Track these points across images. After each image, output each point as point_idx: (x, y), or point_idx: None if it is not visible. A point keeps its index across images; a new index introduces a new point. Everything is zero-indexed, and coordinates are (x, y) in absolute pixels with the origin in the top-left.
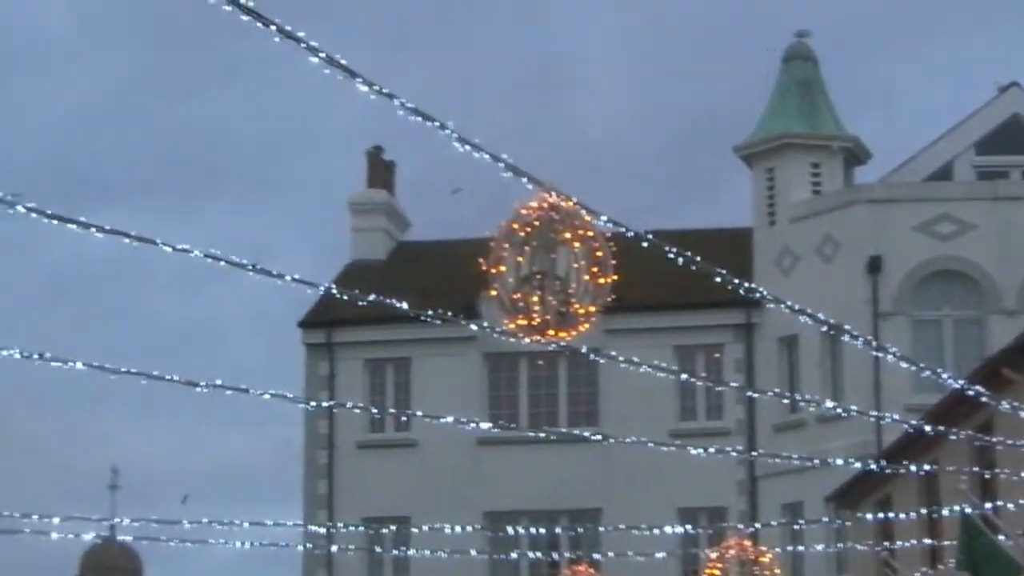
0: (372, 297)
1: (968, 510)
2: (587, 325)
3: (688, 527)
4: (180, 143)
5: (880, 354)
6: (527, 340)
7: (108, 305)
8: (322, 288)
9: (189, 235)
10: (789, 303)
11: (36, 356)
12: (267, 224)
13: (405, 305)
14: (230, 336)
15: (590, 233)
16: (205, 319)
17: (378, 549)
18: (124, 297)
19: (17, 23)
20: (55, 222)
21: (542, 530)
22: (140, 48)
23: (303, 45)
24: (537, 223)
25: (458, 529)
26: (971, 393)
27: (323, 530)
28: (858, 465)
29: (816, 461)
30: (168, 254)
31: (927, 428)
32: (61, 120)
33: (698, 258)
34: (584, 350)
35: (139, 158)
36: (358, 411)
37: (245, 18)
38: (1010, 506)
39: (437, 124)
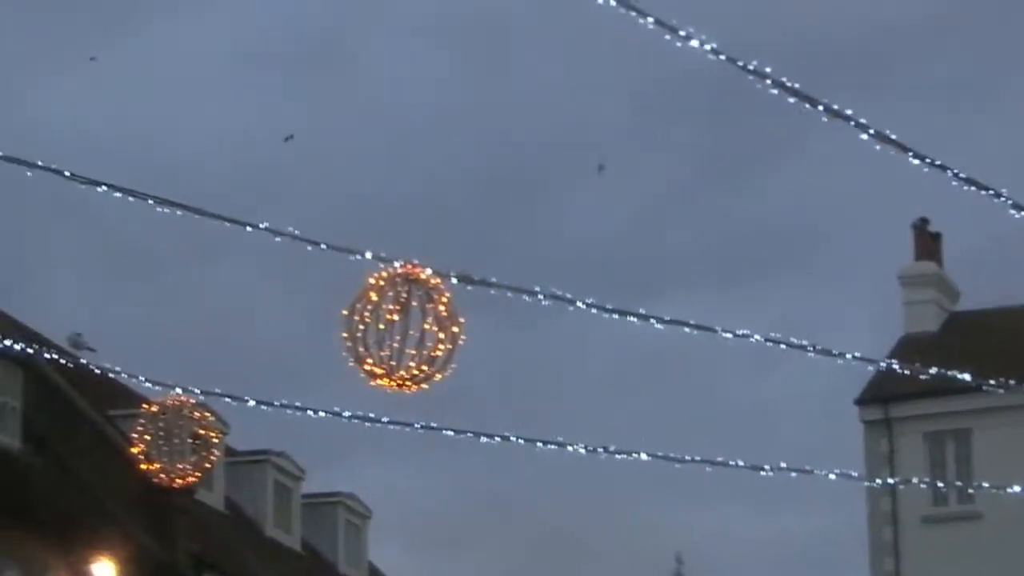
0: (934, 370)
1: None
2: None
3: None
4: (736, 228)
5: None
6: None
7: (670, 394)
8: (882, 364)
9: (751, 318)
10: None
11: (600, 450)
12: (820, 302)
13: (967, 376)
14: (789, 417)
15: None
16: (766, 402)
17: None
18: (686, 385)
19: (583, 123)
20: (615, 316)
21: None
22: (692, 137)
23: (852, 123)
24: None
25: None
26: None
27: None
28: None
29: None
30: (729, 340)
31: None
32: (626, 214)
33: None
34: None
35: (698, 245)
36: (924, 486)
37: (792, 99)
38: None
39: (991, 192)
